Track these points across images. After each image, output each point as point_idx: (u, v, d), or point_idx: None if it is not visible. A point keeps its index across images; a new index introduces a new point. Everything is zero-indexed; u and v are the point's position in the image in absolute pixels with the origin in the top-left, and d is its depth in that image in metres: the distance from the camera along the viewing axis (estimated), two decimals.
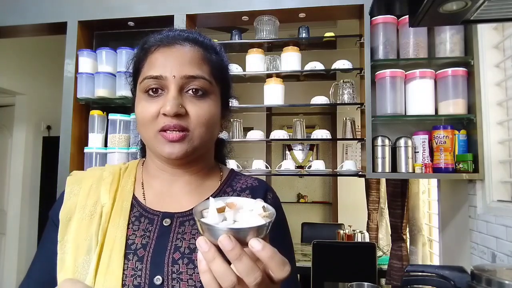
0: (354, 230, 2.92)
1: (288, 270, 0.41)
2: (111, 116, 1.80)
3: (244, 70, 1.96)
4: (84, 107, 1.94)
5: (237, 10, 1.83)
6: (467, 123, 1.66)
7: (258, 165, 2.04)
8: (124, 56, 1.85)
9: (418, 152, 1.68)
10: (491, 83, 1.55)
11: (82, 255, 0.59)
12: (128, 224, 0.62)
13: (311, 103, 1.99)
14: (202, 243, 0.40)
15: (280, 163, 2.05)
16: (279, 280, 0.41)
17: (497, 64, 1.54)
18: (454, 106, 1.62)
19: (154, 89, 0.60)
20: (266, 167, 2.04)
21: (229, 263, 0.40)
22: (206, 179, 0.69)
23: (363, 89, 1.76)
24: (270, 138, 2.05)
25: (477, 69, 1.59)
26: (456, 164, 1.61)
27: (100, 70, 1.86)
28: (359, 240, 2.82)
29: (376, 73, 1.71)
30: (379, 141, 1.67)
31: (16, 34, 2.19)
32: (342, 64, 1.89)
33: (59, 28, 1.95)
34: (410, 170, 1.66)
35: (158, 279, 0.57)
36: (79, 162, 1.87)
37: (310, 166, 2.02)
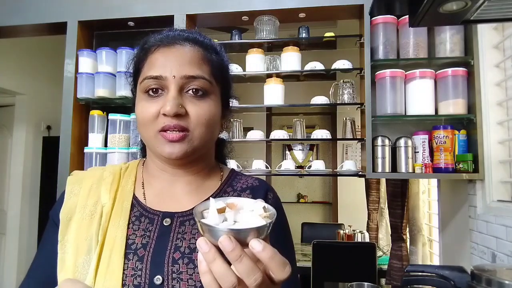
0: (354, 230, 2.92)
1: (289, 271, 0.41)
2: (111, 116, 1.80)
3: (244, 70, 1.96)
4: (84, 107, 1.94)
5: (237, 10, 1.83)
6: (467, 123, 1.66)
7: (258, 165, 2.04)
8: (124, 56, 1.85)
9: (418, 152, 1.68)
10: (491, 83, 1.55)
11: (82, 255, 0.59)
12: (129, 224, 0.62)
13: (311, 103, 1.99)
14: (202, 244, 0.40)
15: (280, 163, 2.05)
16: (279, 281, 0.41)
17: (497, 64, 1.54)
18: (454, 106, 1.62)
19: (154, 89, 0.60)
20: (266, 167, 2.04)
21: (229, 263, 0.40)
22: (206, 179, 0.69)
23: (363, 89, 1.76)
24: (270, 138, 2.05)
25: (477, 69, 1.59)
26: (456, 164, 1.61)
27: (100, 70, 1.86)
28: (359, 240, 2.82)
29: (376, 73, 1.71)
30: (379, 141, 1.67)
31: (16, 34, 2.19)
32: (342, 64, 1.89)
33: (59, 28, 1.95)
34: (410, 170, 1.66)
35: (158, 279, 0.57)
36: (79, 162, 1.87)
37: (310, 166, 2.02)
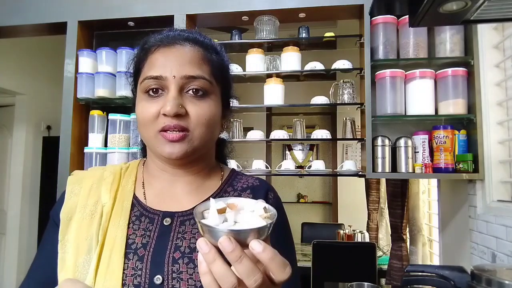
0: (354, 230, 2.92)
1: (289, 272, 0.40)
2: (111, 116, 1.80)
3: (244, 70, 1.96)
4: (84, 107, 1.94)
5: (237, 10, 1.83)
6: (467, 123, 1.66)
7: (258, 165, 2.04)
8: (124, 56, 1.85)
9: (418, 152, 1.68)
10: (491, 83, 1.55)
11: (82, 255, 0.59)
12: (129, 223, 0.62)
13: (311, 103, 1.99)
14: (202, 244, 0.40)
15: (280, 163, 2.05)
16: (279, 282, 0.41)
17: (497, 64, 1.54)
18: (454, 106, 1.62)
19: (154, 89, 0.61)
20: (266, 167, 2.04)
21: (229, 264, 0.40)
22: (207, 179, 0.69)
23: (363, 89, 1.76)
24: (270, 138, 2.05)
25: (477, 69, 1.59)
26: (456, 164, 1.61)
27: (100, 70, 1.86)
28: (359, 240, 2.82)
29: (376, 73, 1.71)
30: (379, 141, 1.67)
31: (16, 34, 2.19)
32: (342, 64, 1.89)
33: (59, 28, 1.95)
34: (410, 170, 1.66)
35: (158, 279, 0.57)
36: (79, 162, 1.87)
37: (310, 166, 2.02)
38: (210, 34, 0.71)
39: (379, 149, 1.67)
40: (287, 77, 2.01)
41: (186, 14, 1.83)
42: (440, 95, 1.66)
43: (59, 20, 1.92)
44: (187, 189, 0.66)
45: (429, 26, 1.68)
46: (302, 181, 4.99)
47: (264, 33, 1.92)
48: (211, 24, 2.06)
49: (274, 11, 1.84)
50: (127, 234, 0.61)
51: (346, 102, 1.92)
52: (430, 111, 1.65)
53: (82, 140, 1.90)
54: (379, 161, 1.66)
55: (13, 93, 3.42)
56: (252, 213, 0.44)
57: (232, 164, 1.82)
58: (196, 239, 0.41)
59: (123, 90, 1.82)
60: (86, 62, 1.88)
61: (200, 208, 0.46)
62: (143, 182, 0.68)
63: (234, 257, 0.39)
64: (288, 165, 2.03)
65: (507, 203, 1.43)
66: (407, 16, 1.50)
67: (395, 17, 1.71)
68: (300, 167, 3.83)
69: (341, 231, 2.94)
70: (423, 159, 1.66)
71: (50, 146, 3.58)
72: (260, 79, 2.03)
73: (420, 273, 1.13)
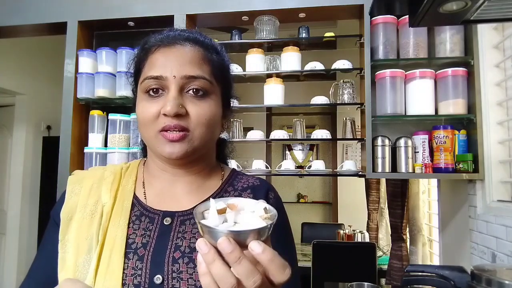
0: (354, 230, 2.92)
1: (289, 273, 0.40)
2: (111, 116, 1.80)
3: (244, 70, 1.96)
4: (84, 107, 1.94)
5: (237, 10, 1.83)
6: (467, 123, 1.66)
7: (258, 165, 2.04)
8: (124, 56, 1.85)
9: (418, 152, 1.68)
10: (491, 83, 1.55)
11: (82, 255, 0.59)
12: (129, 223, 0.62)
13: (311, 103, 1.99)
14: (201, 245, 0.40)
15: (280, 163, 2.05)
16: (279, 283, 0.40)
17: (497, 64, 1.54)
18: (454, 106, 1.62)
19: (154, 89, 0.61)
20: (266, 167, 2.04)
21: (229, 265, 0.40)
22: (207, 179, 0.69)
23: (363, 89, 1.76)
24: (270, 138, 2.05)
25: (477, 69, 1.59)
26: (456, 164, 1.61)
27: (100, 70, 1.86)
28: (359, 240, 2.82)
29: (376, 73, 1.71)
30: (379, 141, 1.67)
31: (16, 34, 2.19)
32: (342, 64, 1.89)
33: (59, 28, 1.95)
34: (410, 170, 1.66)
35: (158, 278, 0.57)
36: (79, 162, 1.87)
37: (310, 166, 2.02)
38: (210, 34, 0.71)
39: (379, 149, 1.67)
40: (287, 77, 2.01)
41: (186, 14, 1.84)
42: (440, 95, 1.66)
43: (59, 20, 1.92)
44: (187, 189, 0.66)
45: (429, 26, 1.68)
46: (302, 181, 4.99)
47: (264, 33, 1.92)
48: (211, 24, 2.06)
49: (274, 11, 1.84)
50: (127, 233, 0.61)
51: (346, 102, 1.92)
52: (430, 111, 1.65)
53: (82, 140, 1.90)
54: (379, 161, 1.66)
55: (13, 93, 3.42)
56: (253, 213, 0.44)
57: (232, 164, 1.82)
58: (197, 239, 0.41)
59: (123, 90, 1.82)
60: (86, 62, 1.88)
61: (201, 208, 0.45)
62: (143, 182, 0.68)
63: (233, 258, 0.38)
64: (288, 165, 2.03)
65: (507, 203, 1.43)
66: (407, 16, 1.50)
67: (395, 17, 1.71)
68: (300, 167, 3.84)
69: (341, 231, 2.94)
70: (423, 159, 1.66)
71: (50, 146, 3.58)
72: (260, 79, 2.03)
73: (420, 273, 1.13)
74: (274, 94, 1.93)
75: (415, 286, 1.39)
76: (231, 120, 0.73)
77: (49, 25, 1.97)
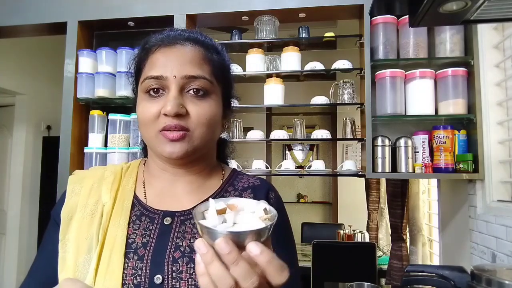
0: (354, 230, 2.92)
1: (287, 275, 0.40)
2: (111, 116, 1.80)
3: (244, 70, 1.96)
4: (84, 107, 1.94)
5: (237, 10, 1.83)
6: (467, 123, 1.66)
7: (258, 165, 2.04)
8: (124, 56, 1.85)
9: (418, 152, 1.68)
10: (491, 83, 1.55)
11: (82, 254, 0.59)
12: (129, 223, 0.62)
13: (311, 103, 1.99)
14: (200, 245, 0.40)
15: (280, 163, 2.05)
16: (277, 285, 0.40)
17: (497, 64, 1.54)
18: (454, 106, 1.62)
19: (155, 89, 0.61)
20: (266, 167, 2.04)
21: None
22: (207, 179, 0.69)
23: (363, 89, 1.76)
24: (270, 138, 2.04)
25: (477, 69, 1.59)
26: (456, 164, 1.61)
27: (100, 70, 1.86)
28: (359, 240, 2.82)
29: (376, 73, 1.71)
30: (379, 141, 1.67)
31: (16, 34, 2.19)
32: (342, 64, 1.89)
33: (59, 28, 1.95)
34: (410, 170, 1.66)
35: (158, 278, 0.57)
36: (79, 162, 1.87)
37: (310, 166, 2.02)
38: (210, 34, 0.71)
39: (379, 149, 1.67)
40: (287, 77, 2.01)
41: (186, 14, 1.84)
42: (440, 95, 1.66)
43: (59, 20, 1.92)
44: (187, 188, 0.66)
45: (429, 26, 1.68)
46: (302, 181, 4.99)
47: (264, 33, 1.92)
48: (211, 24, 2.06)
49: (274, 11, 1.84)
50: (127, 233, 0.61)
51: (346, 102, 1.92)
52: (430, 111, 1.65)
53: (82, 140, 1.90)
54: (379, 161, 1.66)
55: (13, 93, 3.42)
56: (252, 214, 0.44)
57: (232, 164, 1.82)
58: (196, 239, 0.41)
59: (123, 90, 1.82)
60: (86, 62, 1.88)
61: (201, 208, 0.45)
62: (143, 182, 0.68)
63: (231, 259, 0.38)
64: (288, 165, 2.03)
65: (507, 203, 1.43)
66: (407, 16, 1.50)
67: (395, 17, 1.71)
68: (300, 167, 3.83)
69: (341, 231, 2.94)
70: (423, 159, 1.66)
71: (50, 146, 3.58)
72: (260, 79, 2.03)
73: (420, 273, 1.13)
74: (274, 94, 1.93)
75: (415, 286, 1.39)
76: (231, 120, 0.73)
77: (49, 25, 1.97)
